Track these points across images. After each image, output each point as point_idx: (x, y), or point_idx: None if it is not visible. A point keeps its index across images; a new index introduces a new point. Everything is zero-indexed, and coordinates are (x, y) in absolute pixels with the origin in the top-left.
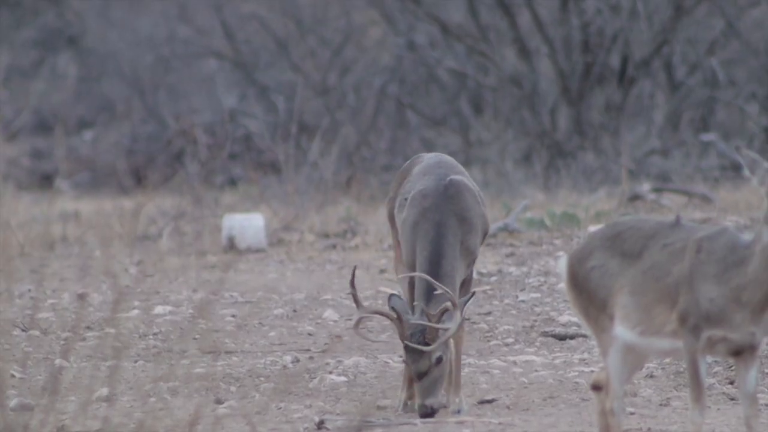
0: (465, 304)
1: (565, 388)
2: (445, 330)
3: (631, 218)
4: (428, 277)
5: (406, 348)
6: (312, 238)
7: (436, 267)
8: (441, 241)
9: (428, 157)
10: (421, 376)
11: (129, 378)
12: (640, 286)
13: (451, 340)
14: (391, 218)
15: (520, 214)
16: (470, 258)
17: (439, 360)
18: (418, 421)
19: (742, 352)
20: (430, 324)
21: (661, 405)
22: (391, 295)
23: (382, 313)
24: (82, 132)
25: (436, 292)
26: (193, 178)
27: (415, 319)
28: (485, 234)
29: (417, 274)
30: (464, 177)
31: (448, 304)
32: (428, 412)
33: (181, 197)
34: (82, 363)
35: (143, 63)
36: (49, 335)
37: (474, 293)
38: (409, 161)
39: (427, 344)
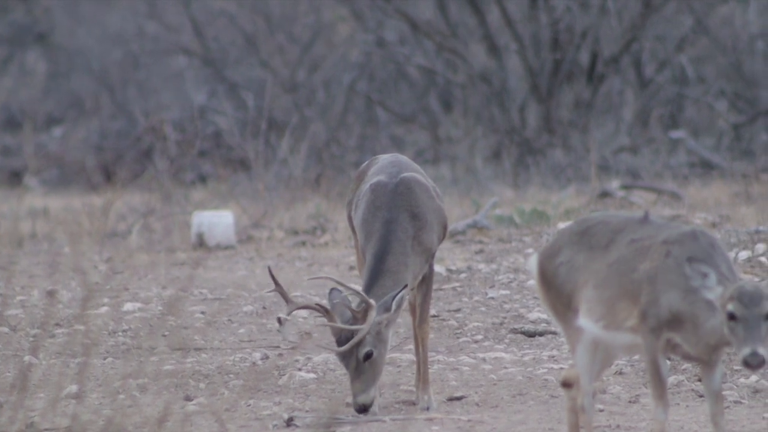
0: (394, 299)
1: (534, 385)
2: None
3: (600, 213)
4: (334, 278)
5: (338, 343)
6: (281, 235)
7: (380, 263)
8: (389, 238)
9: (383, 158)
10: (351, 372)
11: (98, 375)
12: (604, 280)
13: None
14: (350, 220)
15: (490, 211)
16: (426, 254)
17: (369, 355)
18: (387, 417)
19: (700, 360)
20: (338, 325)
21: (630, 402)
22: (332, 289)
23: (310, 308)
24: (51, 128)
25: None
26: (163, 175)
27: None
28: (444, 228)
29: (328, 277)
30: (418, 174)
31: (387, 298)
32: (360, 410)
33: (150, 194)
34: (51, 360)
35: (112, 59)
36: (19, 332)
37: (405, 286)
38: (365, 164)
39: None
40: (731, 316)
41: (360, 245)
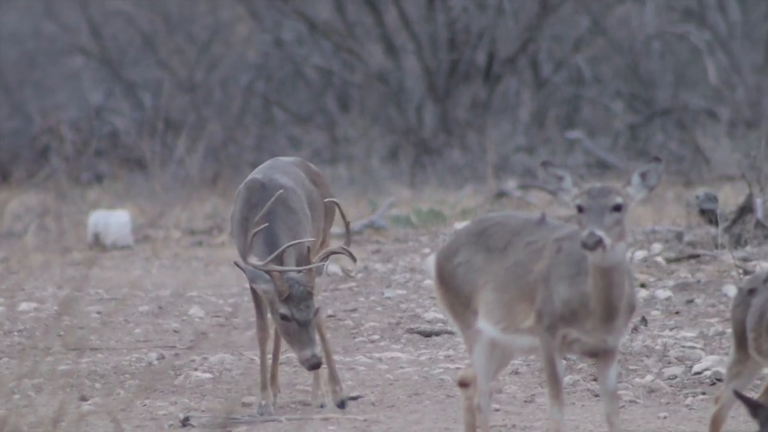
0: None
1: (430, 384)
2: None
3: (498, 214)
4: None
5: (290, 299)
6: (178, 234)
7: (273, 246)
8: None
9: (268, 163)
10: (307, 324)
11: None
12: (503, 283)
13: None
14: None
15: (386, 212)
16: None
17: (317, 311)
18: (283, 417)
19: (597, 354)
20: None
21: (525, 402)
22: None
23: (271, 270)
24: None
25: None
26: (59, 175)
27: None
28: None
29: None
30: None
31: (329, 249)
32: (318, 362)
33: (46, 194)
34: None
35: (8, 59)
36: None
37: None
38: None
39: (310, 294)
40: (579, 209)
41: (236, 238)
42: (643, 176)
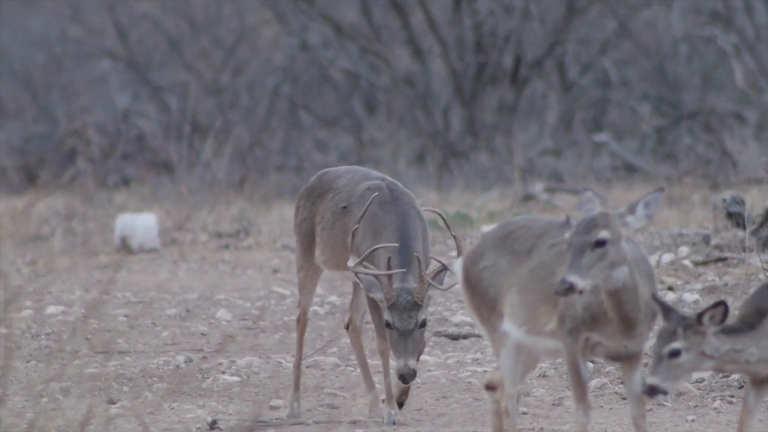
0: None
1: (458, 387)
2: (437, 288)
3: (523, 218)
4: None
5: (394, 307)
6: (205, 237)
7: (407, 247)
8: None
9: (346, 168)
10: (406, 334)
11: (21, 378)
12: (527, 285)
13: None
14: (309, 236)
15: None
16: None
17: (423, 323)
18: (311, 420)
19: (620, 358)
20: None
21: (553, 405)
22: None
23: (374, 273)
24: None
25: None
26: (86, 178)
27: (402, 282)
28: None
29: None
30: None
31: (440, 266)
32: (410, 373)
33: (73, 197)
34: None
35: (35, 62)
36: None
37: (445, 267)
38: (315, 179)
39: (417, 305)
40: (567, 244)
41: (362, 236)
42: (647, 205)
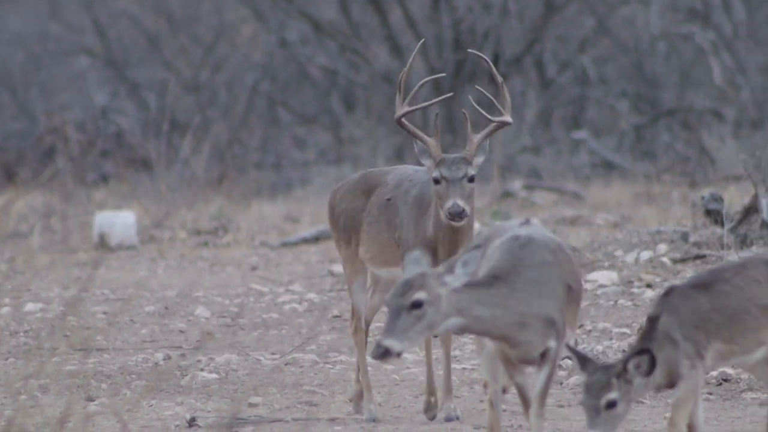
0: None
1: (436, 385)
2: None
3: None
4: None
5: (443, 162)
6: (184, 235)
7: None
8: None
9: (393, 167)
10: (455, 183)
11: None
12: None
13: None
14: (348, 231)
15: None
16: None
17: (472, 179)
18: (289, 417)
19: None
20: None
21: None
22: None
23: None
24: None
25: None
26: (64, 175)
27: None
28: None
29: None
30: None
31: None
32: (460, 211)
33: (51, 194)
34: None
35: (14, 60)
36: None
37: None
38: (360, 176)
39: (466, 160)
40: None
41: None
42: (465, 263)
